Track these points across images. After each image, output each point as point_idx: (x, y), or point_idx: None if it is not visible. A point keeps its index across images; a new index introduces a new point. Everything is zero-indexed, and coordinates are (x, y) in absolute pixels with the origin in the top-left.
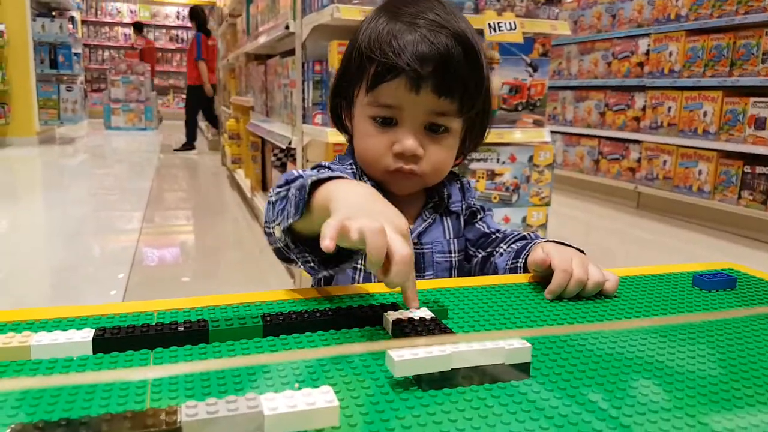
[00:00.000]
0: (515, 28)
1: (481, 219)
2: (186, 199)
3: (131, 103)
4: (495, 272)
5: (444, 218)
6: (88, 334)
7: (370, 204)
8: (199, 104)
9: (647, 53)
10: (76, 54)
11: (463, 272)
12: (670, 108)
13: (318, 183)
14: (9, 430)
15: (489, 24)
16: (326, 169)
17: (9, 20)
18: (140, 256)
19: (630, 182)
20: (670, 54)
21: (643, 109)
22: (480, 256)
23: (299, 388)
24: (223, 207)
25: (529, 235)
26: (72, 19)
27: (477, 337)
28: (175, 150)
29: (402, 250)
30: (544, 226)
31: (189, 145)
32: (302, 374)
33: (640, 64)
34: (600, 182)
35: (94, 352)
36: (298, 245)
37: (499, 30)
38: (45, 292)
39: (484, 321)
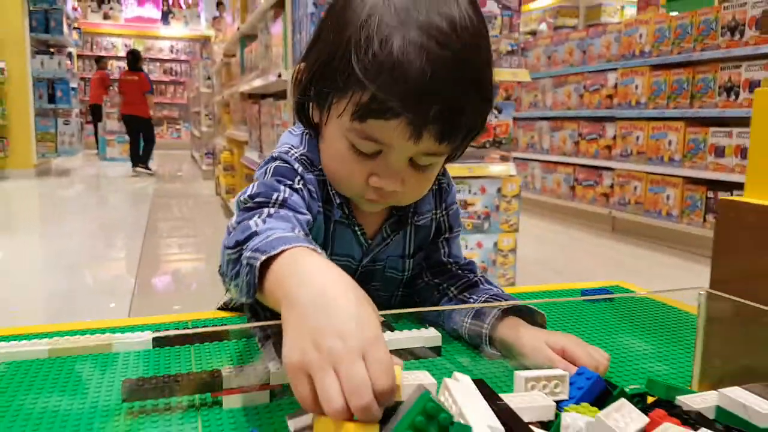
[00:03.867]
0: None
1: (444, 240)
2: (182, 228)
3: (125, 134)
4: (446, 321)
5: (409, 231)
6: (149, 335)
7: (331, 310)
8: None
9: (615, 86)
10: (73, 88)
11: (410, 287)
12: (638, 137)
13: (270, 260)
14: (122, 382)
15: None
16: (288, 188)
17: (9, 58)
18: (139, 286)
19: (605, 207)
20: (636, 87)
21: (614, 138)
22: (425, 281)
23: None
24: (219, 235)
25: (481, 280)
26: (69, 55)
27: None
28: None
29: (331, 404)
30: (513, 251)
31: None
32: None
33: (610, 97)
34: (577, 207)
35: (153, 347)
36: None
37: None
38: (41, 322)
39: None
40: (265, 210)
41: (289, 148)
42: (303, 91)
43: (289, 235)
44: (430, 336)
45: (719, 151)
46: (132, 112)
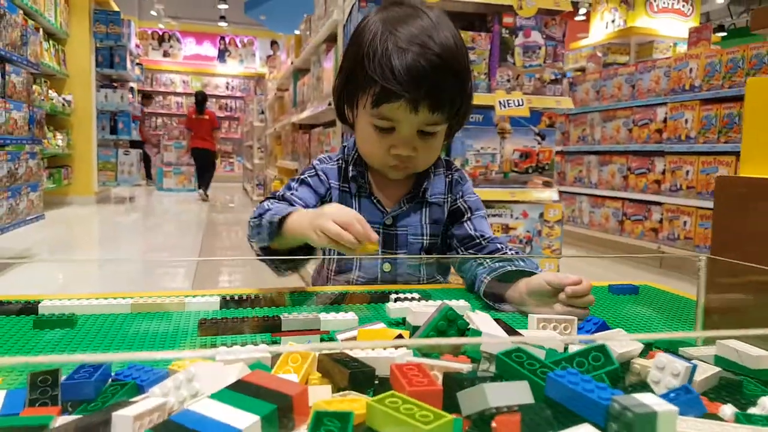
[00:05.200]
0: (522, 104)
1: (468, 219)
2: (232, 255)
3: (182, 166)
4: (473, 279)
5: (423, 206)
6: (217, 298)
7: (316, 215)
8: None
9: (665, 120)
10: (133, 121)
11: (439, 253)
12: (688, 172)
13: (283, 218)
14: (198, 321)
15: (499, 101)
16: (297, 183)
17: (76, 91)
18: None
19: (653, 242)
20: (686, 121)
21: (663, 172)
22: (460, 253)
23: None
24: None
25: (509, 252)
26: (132, 89)
27: None
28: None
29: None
30: None
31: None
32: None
33: (659, 131)
34: (625, 242)
35: (220, 308)
36: (270, 255)
37: (508, 106)
38: None
39: None
40: (272, 200)
41: (325, 154)
42: (339, 96)
43: (290, 207)
44: (459, 306)
45: None
46: (202, 146)
